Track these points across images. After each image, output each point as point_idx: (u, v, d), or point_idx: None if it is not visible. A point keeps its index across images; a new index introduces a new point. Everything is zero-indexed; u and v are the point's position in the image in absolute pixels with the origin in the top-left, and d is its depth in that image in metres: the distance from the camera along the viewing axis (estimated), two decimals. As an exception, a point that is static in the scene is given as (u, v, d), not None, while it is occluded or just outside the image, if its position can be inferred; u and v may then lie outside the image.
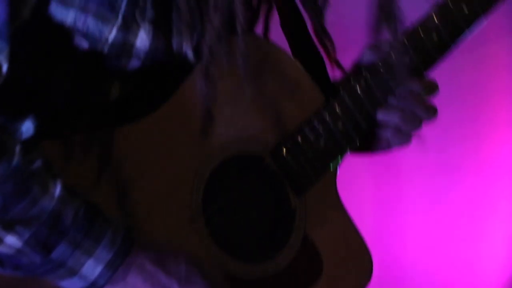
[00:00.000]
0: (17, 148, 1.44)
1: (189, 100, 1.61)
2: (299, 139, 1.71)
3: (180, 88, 1.61)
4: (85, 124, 1.58)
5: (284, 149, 1.70)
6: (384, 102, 1.74)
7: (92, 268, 1.46)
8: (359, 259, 1.78)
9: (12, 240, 1.43)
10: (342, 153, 1.74)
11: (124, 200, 1.57)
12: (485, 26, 1.76)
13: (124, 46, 1.54)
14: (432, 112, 1.76)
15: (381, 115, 1.75)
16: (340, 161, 1.74)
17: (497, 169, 3.16)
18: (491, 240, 3.20)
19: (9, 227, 1.42)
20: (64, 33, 1.52)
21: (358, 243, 1.77)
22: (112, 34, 1.52)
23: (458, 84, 2.29)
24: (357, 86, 1.72)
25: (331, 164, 1.72)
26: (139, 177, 1.59)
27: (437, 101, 1.78)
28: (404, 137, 1.77)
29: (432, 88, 1.76)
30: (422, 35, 1.71)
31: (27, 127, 1.55)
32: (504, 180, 3.17)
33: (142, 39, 1.53)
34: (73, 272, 1.46)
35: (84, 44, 1.53)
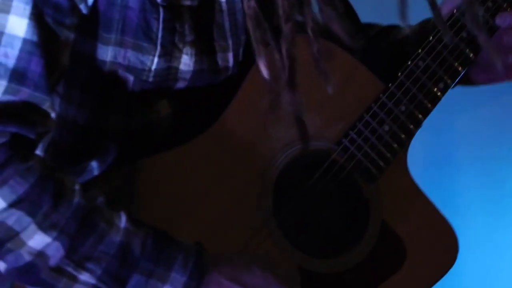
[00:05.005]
0: (76, 187, 1.45)
1: (244, 110, 1.62)
2: (362, 127, 1.69)
3: (235, 99, 1.61)
4: (142, 147, 1.59)
5: (348, 140, 1.69)
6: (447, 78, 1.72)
7: None
8: (443, 241, 1.74)
9: (85, 278, 1.44)
10: (409, 135, 1.71)
11: (193, 218, 1.59)
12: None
13: (168, 71, 1.55)
14: None
15: None
16: (408, 143, 1.72)
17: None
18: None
19: (80, 266, 1.43)
20: (107, 69, 1.53)
21: (440, 223, 1.74)
22: (154, 63, 1.53)
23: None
24: (415, 66, 1.69)
25: (399, 148, 1.70)
26: (204, 195, 1.60)
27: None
28: None
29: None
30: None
31: (91, 167, 1.56)
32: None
33: (186, 63, 1.55)
34: None
35: (129, 76, 1.54)
